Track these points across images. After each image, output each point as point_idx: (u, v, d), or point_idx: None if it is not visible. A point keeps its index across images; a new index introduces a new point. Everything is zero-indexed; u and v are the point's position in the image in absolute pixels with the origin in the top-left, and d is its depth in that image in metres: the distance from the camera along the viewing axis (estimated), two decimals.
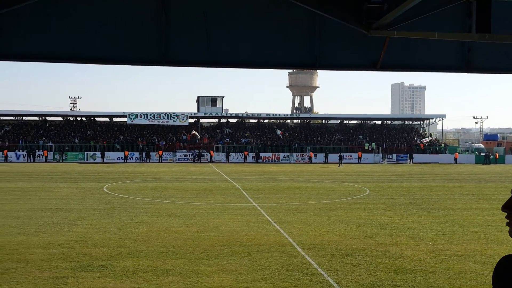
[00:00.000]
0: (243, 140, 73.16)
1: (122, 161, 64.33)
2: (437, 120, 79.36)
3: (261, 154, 67.72)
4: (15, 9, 7.32)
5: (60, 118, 78.54)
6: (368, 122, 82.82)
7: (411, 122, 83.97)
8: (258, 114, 76.93)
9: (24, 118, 77.26)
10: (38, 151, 65.44)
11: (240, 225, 16.95)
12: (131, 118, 69.08)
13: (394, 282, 10.58)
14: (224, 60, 8.11)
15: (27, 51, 7.87)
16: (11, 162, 61.98)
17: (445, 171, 50.25)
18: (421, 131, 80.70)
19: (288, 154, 68.80)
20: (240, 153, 68.03)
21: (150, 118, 69.45)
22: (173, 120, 69.98)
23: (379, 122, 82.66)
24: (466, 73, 8.79)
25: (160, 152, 66.28)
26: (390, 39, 7.76)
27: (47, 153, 64.65)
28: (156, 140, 71.23)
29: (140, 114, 69.28)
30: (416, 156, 68.23)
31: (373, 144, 71.47)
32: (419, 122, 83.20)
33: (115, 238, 14.56)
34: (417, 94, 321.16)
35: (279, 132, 73.74)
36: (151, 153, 66.09)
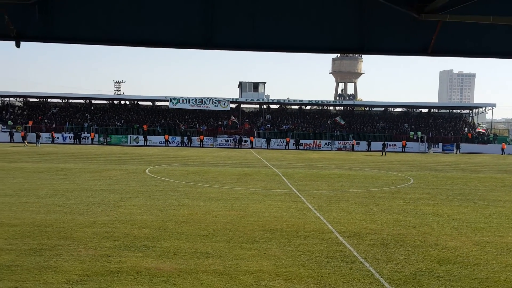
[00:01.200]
0: (284, 126, 72.96)
1: (164, 144, 65.24)
2: (486, 109, 77.14)
3: (302, 141, 67.42)
4: None
5: (105, 102, 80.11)
6: (414, 110, 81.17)
7: (459, 111, 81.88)
8: (300, 101, 76.39)
9: (71, 101, 79.15)
10: (84, 133, 67.09)
11: (280, 211, 16.91)
12: (173, 103, 69.82)
13: (436, 273, 10.34)
14: (269, 44, 7.97)
15: (76, 34, 7.94)
16: (57, 143, 63.76)
17: (494, 161, 48.87)
18: (470, 120, 78.65)
19: (330, 141, 68.26)
20: (281, 139, 67.93)
21: (192, 103, 70.01)
22: (215, 105, 70.36)
23: (426, 110, 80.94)
24: None
25: (201, 136, 66.88)
26: (442, 23, 7.46)
27: (94, 135, 66.24)
28: (197, 124, 71.84)
29: (182, 99, 69.90)
30: (463, 146, 66.61)
31: (419, 132, 70.12)
32: (467, 111, 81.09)
33: (157, 220, 14.76)
34: (466, 82, 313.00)
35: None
36: (192, 138, 66.80)
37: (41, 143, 57.69)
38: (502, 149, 64.93)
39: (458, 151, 65.53)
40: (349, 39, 7.96)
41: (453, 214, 17.39)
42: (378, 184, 26.25)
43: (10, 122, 69.06)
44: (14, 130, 64.97)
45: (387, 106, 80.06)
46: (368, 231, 14.10)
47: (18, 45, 7.77)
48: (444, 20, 7.29)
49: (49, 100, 78.34)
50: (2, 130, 67.04)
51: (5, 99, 77.23)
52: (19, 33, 7.67)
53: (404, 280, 9.83)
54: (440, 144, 68.63)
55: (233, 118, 71.09)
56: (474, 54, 8.15)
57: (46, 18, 7.61)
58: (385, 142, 60.80)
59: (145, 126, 69.15)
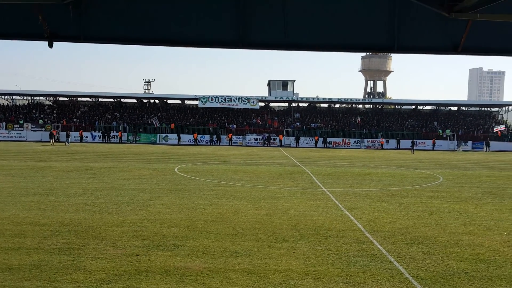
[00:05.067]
0: (313, 124, 72.70)
1: (193, 143, 65.68)
2: None
3: (331, 139, 67.12)
4: None
5: (134, 100, 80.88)
6: (444, 108, 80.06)
7: (488, 109, 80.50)
8: (329, 99, 75.88)
9: (100, 99, 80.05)
10: (113, 132, 67.88)
11: (309, 210, 16.90)
12: (202, 101, 70.17)
13: (466, 272, 10.24)
14: (300, 42, 7.96)
15: (108, 34, 8.01)
16: (86, 142, 64.64)
17: None
18: (499, 118, 77.25)
19: (359, 139, 67.79)
20: (310, 138, 67.74)
21: (221, 101, 70.25)
22: (244, 104, 70.48)
23: (455, 108, 79.75)
24: None
25: (230, 135, 67.08)
26: (472, 22, 7.38)
27: (121, 134, 66.97)
28: (226, 123, 72.07)
29: (211, 97, 70.19)
30: (493, 144, 65.56)
31: (448, 130, 69.14)
32: (497, 109, 79.68)
33: (185, 219, 14.89)
34: (496, 80, 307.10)
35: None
36: (221, 136, 67.07)
37: (70, 142, 58.53)
38: None
39: (487, 149, 64.52)
40: (380, 38, 7.92)
41: (483, 213, 17.15)
42: (407, 182, 26.00)
43: (41, 121, 70.27)
44: (44, 129, 65.96)
45: (416, 104, 79.09)
46: (397, 230, 14.00)
47: (51, 45, 7.86)
48: (474, 19, 7.21)
49: (78, 99, 79.34)
50: (32, 129, 68.12)
51: (35, 98, 78.59)
52: (52, 33, 7.78)
53: (433, 279, 9.75)
54: (470, 142, 67.70)
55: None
56: (504, 53, 8.04)
57: (79, 18, 7.71)
58: (414, 140, 60.18)
59: (171, 125, 69.56)
